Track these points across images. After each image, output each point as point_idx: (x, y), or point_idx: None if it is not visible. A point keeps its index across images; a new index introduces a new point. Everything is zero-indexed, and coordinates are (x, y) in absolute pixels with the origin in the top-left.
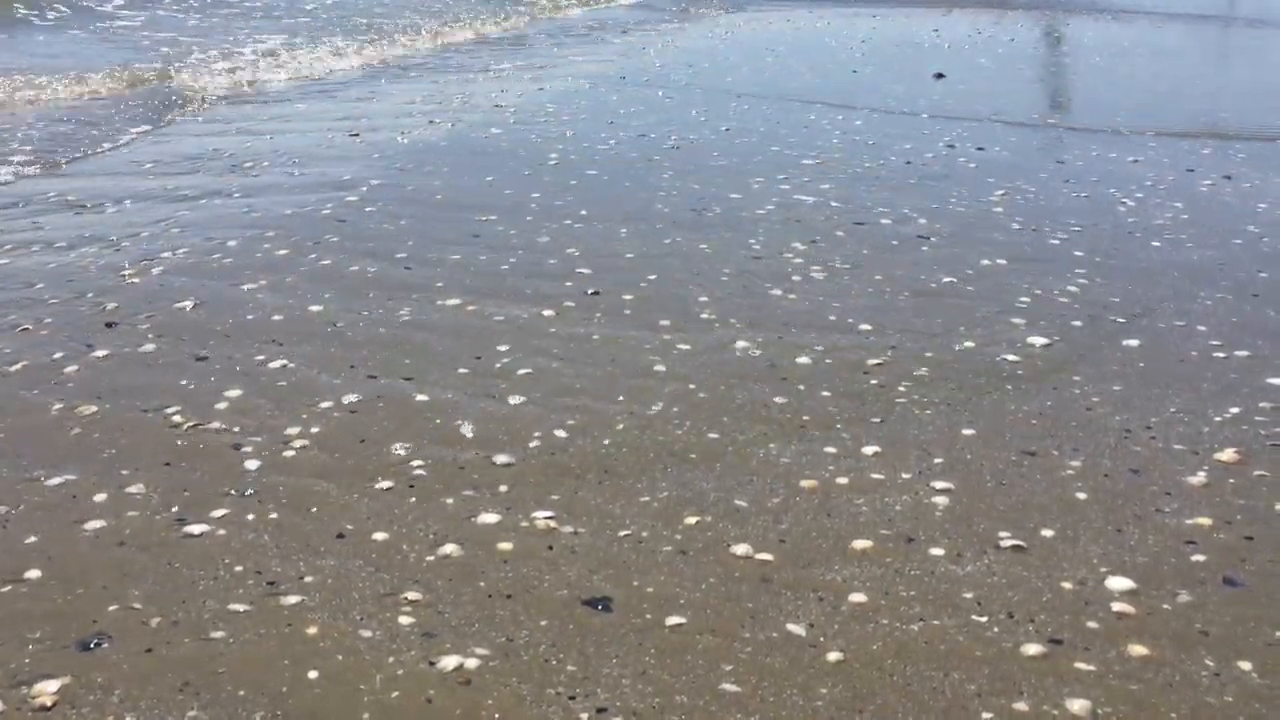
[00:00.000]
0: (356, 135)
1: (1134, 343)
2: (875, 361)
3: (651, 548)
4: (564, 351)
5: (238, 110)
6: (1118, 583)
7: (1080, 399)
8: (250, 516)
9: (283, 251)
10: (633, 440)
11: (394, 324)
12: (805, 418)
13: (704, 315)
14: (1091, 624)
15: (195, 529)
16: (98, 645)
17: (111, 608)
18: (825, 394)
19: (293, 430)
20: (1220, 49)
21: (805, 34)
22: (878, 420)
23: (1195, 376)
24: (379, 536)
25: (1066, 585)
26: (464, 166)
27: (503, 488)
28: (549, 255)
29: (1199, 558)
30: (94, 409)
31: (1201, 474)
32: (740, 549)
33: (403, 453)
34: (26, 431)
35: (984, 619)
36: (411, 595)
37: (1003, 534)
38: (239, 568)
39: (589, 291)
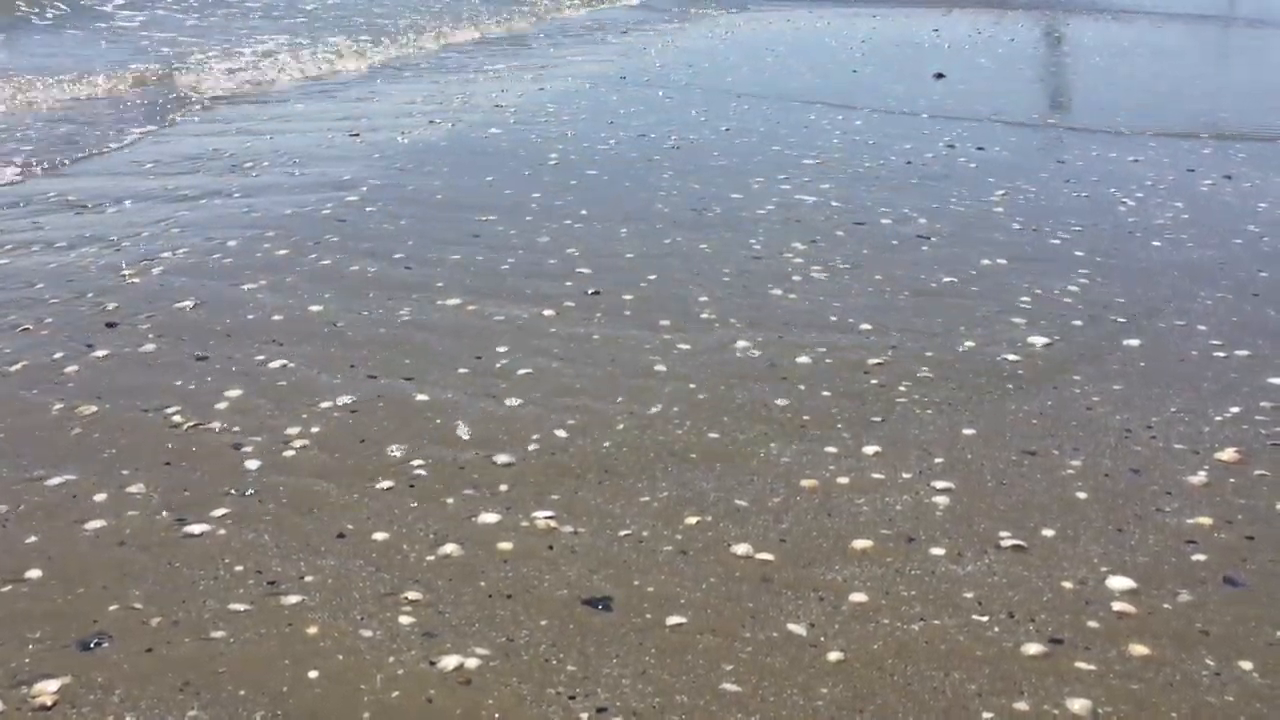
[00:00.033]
0: (356, 135)
1: (1134, 342)
2: (875, 361)
3: (652, 547)
4: (564, 351)
5: (238, 110)
6: (1118, 582)
7: (1081, 399)
8: (250, 516)
9: (283, 251)
10: (633, 440)
11: (394, 324)
12: (805, 417)
13: (704, 315)
14: (1092, 624)
15: (195, 529)
16: (98, 645)
17: (112, 607)
18: (825, 394)
19: (293, 430)
20: (1220, 49)
21: (805, 34)
22: (878, 420)
23: (1196, 376)
24: (379, 536)
25: (1067, 585)
26: (464, 166)
27: (503, 487)
28: (549, 255)
29: (1199, 557)
30: (94, 409)
31: (1202, 473)
32: (740, 549)
33: (403, 453)
34: (26, 431)
35: (984, 619)
36: (412, 595)
37: (1003, 534)
38: (239, 567)
39: (589, 291)
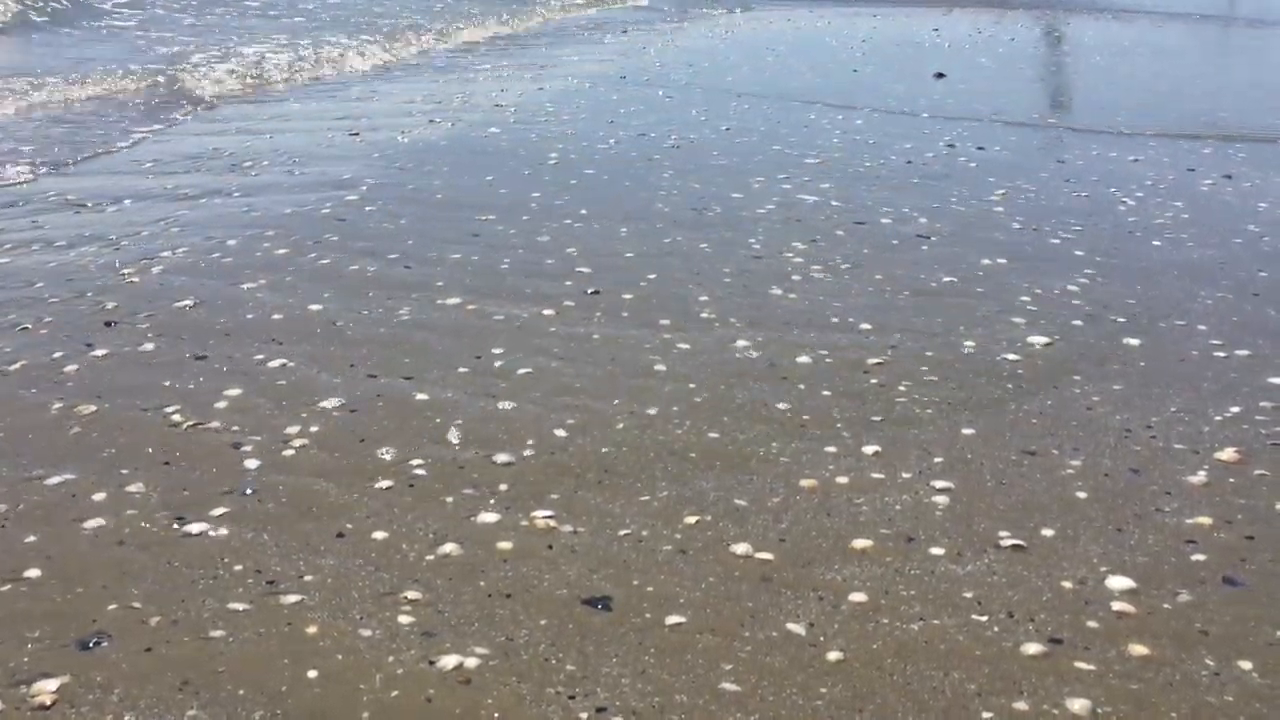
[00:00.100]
0: (356, 134)
1: (1134, 342)
2: (875, 361)
3: (651, 547)
4: (564, 351)
5: (238, 110)
6: (1118, 582)
7: (1080, 398)
8: (249, 516)
9: (282, 251)
10: (633, 440)
11: (393, 323)
12: (805, 417)
13: (704, 315)
14: (1092, 623)
15: (194, 528)
16: (97, 644)
17: (111, 607)
18: (825, 393)
19: (292, 429)
20: (1220, 49)
21: (805, 33)
22: (878, 420)
23: (1195, 376)
24: (378, 536)
25: (1067, 585)
26: (464, 166)
27: (502, 487)
28: (549, 254)
29: (1199, 557)
30: (93, 408)
31: (1202, 473)
32: (740, 548)
33: (402, 452)
34: (25, 430)
35: (984, 618)
36: (411, 594)
37: (1003, 533)
38: (238, 567)
39: (589, 291)
